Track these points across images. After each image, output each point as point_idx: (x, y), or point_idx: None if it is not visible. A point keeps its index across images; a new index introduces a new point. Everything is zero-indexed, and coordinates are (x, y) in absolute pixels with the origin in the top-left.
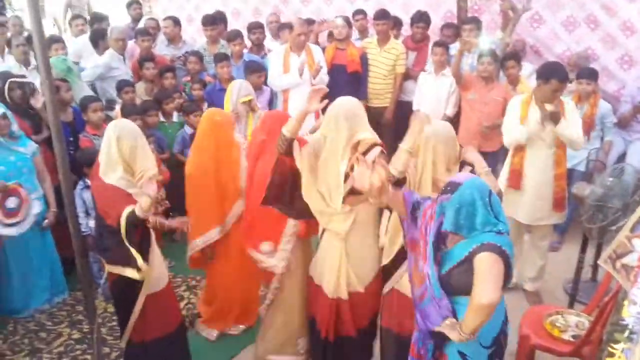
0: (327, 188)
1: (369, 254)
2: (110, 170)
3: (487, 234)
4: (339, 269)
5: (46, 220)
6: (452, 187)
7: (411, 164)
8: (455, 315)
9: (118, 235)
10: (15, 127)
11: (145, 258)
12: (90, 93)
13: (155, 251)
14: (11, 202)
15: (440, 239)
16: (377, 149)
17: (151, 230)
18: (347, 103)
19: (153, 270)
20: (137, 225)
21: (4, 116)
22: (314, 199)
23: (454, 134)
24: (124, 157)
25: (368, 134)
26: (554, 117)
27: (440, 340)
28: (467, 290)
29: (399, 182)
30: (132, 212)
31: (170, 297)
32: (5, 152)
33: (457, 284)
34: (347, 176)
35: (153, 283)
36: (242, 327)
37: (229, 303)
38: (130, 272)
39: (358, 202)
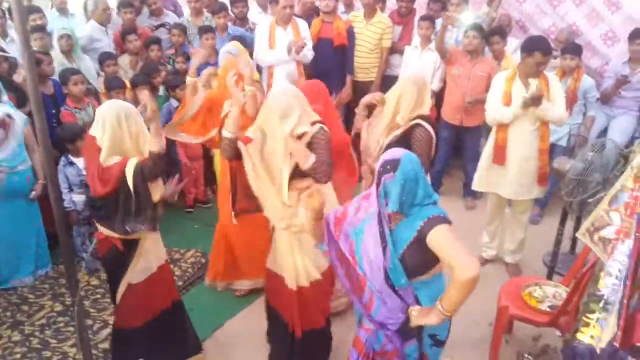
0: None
1: None
2: (114, 156)
3: (425, 208)
4: (295, 259)
5: (34, 192)
6: (391, 164)
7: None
8: (417, 300)
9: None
10: (5, 97)
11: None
12: (91, 66)
13: (151, 241)
14: None
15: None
16: (316, 127)
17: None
18: (279, 101)
19: (139, 261)
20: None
21: None
22: (268, 197)
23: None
24: (130, 140)
25: (306, 127)
26: (536, 101)
27: (406, 332)
28: (422, 270)
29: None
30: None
31: (156, 285)
32: None
33: (411, 266)
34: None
35: (137, 274)
36: (247, 282)
37: (234, 256)
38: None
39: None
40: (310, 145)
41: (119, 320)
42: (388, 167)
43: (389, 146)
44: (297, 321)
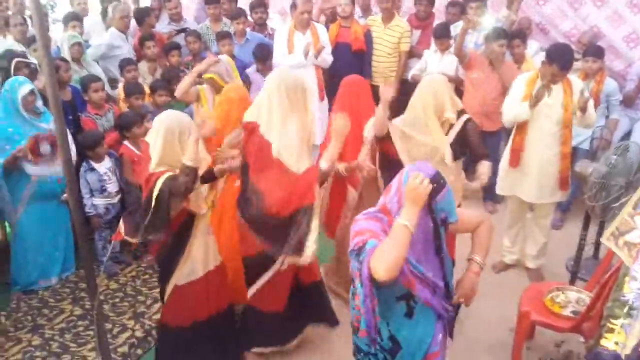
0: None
1: None
2: (162, 166)
3: None
4: None
5: (65, 195)
6: (441, 178)
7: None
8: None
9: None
10: (39, 103)
11: (182, 249)
12: (100, 72)
13: (198, 247)
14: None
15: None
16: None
17: (196, 220)
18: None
19: (185, 264)
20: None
21: (32, 92)
22: None
23: (446, 81)
24: (181, 153)
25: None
26: (583, 106)
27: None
28: None
29: (383, 138)
30: (170, 177)
31: (202, 290)
32: (28, 126)
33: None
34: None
35: (183, 277)
36: None
37: None
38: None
39: None
40: None
41: (164, 316)
42: (441, 181)
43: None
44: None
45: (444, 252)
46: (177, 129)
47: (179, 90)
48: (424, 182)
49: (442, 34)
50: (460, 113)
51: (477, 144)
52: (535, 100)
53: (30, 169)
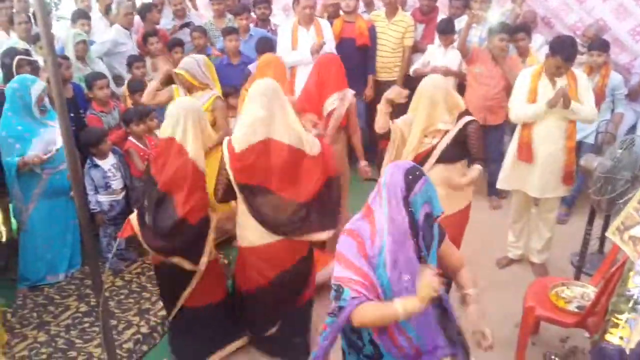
0: None
1: None
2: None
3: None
4: None
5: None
6: (417, 170)
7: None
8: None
9: None
10: (46, 100)
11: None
12: (104, 69)
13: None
14: None
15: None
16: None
17: None
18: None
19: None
20: None
21: (44, 90)
22: None
23: (445, 85)
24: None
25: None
26: (565, 102)
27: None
28: None
29: (383, 136)
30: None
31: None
32: (37, 124)
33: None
34: None
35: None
36: None
37: None
38: None
39: None
40: None
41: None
42: (417, 172)
43: (446, 150)
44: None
45: (424, 252)
46: (199, 113)
47: (146, 96)
48: (434, 279)
49: (446, 30)
50: (463, 114)
51: (476, 148)
52: (553, 102)
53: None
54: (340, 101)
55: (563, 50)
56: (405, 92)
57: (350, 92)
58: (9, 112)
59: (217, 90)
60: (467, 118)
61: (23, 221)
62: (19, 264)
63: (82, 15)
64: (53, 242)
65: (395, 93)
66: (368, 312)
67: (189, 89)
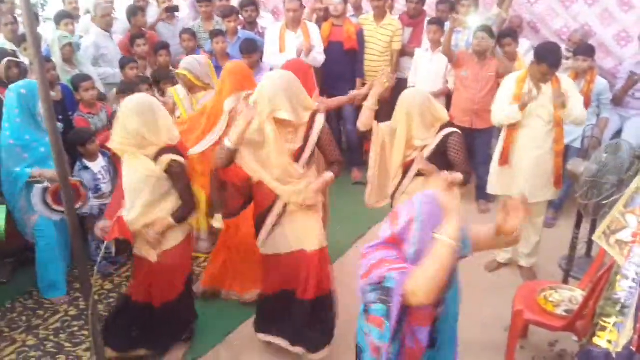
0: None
1: None
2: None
3: None
4: (314, 226)
5: None
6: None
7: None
8: None
9: None
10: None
11: None
12: (93, 72)
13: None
14: None
15: None
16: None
17: None
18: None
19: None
20: None
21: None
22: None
23: (427, 97)
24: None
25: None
26: (561, 103)
27: None
28: None
29: (365, 135)
30: None
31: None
32: (41, 132)
33: None
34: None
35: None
36: (234, 292)
37: (232, 263)
38: None
39: None
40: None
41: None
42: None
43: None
44: (318, 282)
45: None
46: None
47: None
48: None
49: (436, 22)
50: (445, 126)
51: (457, 161)
52: (524, 104)
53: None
54: (241, 102)
55: (549, 58)
56: (393, 76)
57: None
58: (17, 119)
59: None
60: (447, 130)
61: (28, 232)
62: (38, 276)
63: (65, 16)
64: (62, 249)
65: (386, 77)
66: (425, 270)
67: (191, 89)
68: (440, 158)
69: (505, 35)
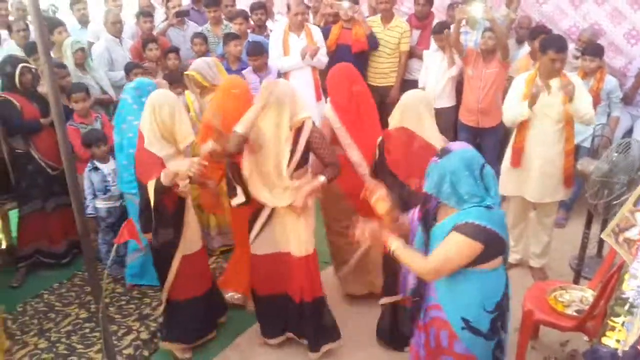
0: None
1: None
2: (155, 141)
3: (474, 209)
4: (299, 232)
5: None
6: (443, 152)
7: None
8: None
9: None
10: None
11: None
12: (104, 77)
13: (190, 216)
14: None
15: (429, 215)
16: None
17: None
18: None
19: (187, 233)
20: (164, 193)
21: None
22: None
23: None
24: (165, 125)
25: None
26: (568, 91)
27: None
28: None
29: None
30: (157, 181)
31: (202, 262)
32: None
33: None
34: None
35: (187, 245)
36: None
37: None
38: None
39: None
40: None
41: (174, 292)
42: (440, 153)
43: None
44: (307, 287)
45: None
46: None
47: None
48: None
49: (440, 31)
50: None
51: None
52: (533, 100)
53: None
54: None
55: (553, 43)
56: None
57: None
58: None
59: None
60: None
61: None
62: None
63: (59, 24)
64: None
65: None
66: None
67: (201, 92)
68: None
69: (538, 32)
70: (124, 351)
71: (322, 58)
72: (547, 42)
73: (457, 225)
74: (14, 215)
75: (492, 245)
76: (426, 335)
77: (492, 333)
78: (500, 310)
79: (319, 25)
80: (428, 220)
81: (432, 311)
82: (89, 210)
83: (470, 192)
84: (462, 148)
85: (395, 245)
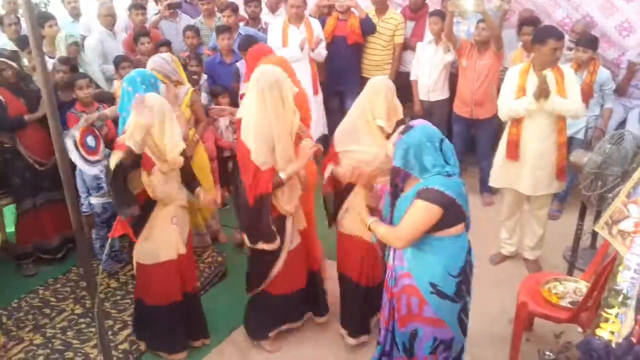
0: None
1: None
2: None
3: (435, 177)
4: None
5: None
6: (406, 129)
7: None
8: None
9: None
10: None
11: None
12: (98, 71)
13: (162, 225)
14: (90, 141)
15: (397, 185)
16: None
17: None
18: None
19: (147, 242)
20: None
21: None
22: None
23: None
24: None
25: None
26: (544, 93)
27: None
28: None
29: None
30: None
31: (171, 273)
32: None
33: None
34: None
35: (147, 254)
36: None
37: None
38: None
39: None
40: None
41: (136, 292)
42: (403, 130)
43: None
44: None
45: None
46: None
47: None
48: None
49: (437, 13)
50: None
51: None
52: (540, 92)
53: None
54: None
55: (552, 33)
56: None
57: None
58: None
59: (188, 85)
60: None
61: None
62: None
63: (49, 17)
64: None
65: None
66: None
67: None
68: None
69: (526, 23)
70: (120, 346)
71: (322, 51)
72: (545, 33)
73: (419, 191)
74: (7, 211)
75: (450, 210)
76: (397, 302)
77: (458, 297)
78: (464, 275)
79: (313, 17)
80: (397, 194)
81: (403, 279)
82: (84, 209)
83: (432, 162)
84: (423, 124)
85: (371, 220)
